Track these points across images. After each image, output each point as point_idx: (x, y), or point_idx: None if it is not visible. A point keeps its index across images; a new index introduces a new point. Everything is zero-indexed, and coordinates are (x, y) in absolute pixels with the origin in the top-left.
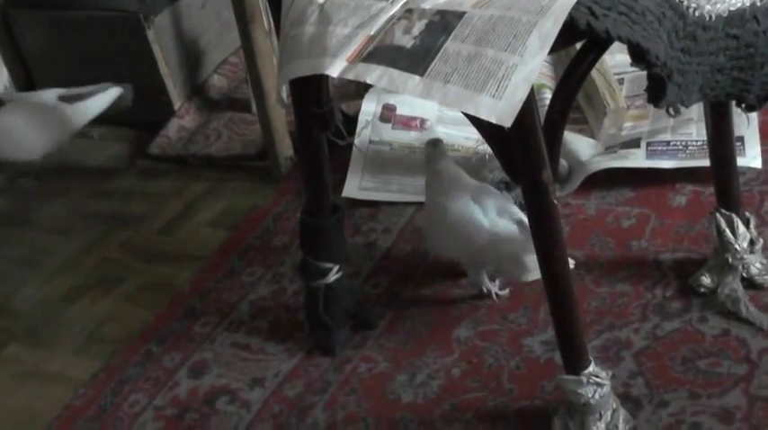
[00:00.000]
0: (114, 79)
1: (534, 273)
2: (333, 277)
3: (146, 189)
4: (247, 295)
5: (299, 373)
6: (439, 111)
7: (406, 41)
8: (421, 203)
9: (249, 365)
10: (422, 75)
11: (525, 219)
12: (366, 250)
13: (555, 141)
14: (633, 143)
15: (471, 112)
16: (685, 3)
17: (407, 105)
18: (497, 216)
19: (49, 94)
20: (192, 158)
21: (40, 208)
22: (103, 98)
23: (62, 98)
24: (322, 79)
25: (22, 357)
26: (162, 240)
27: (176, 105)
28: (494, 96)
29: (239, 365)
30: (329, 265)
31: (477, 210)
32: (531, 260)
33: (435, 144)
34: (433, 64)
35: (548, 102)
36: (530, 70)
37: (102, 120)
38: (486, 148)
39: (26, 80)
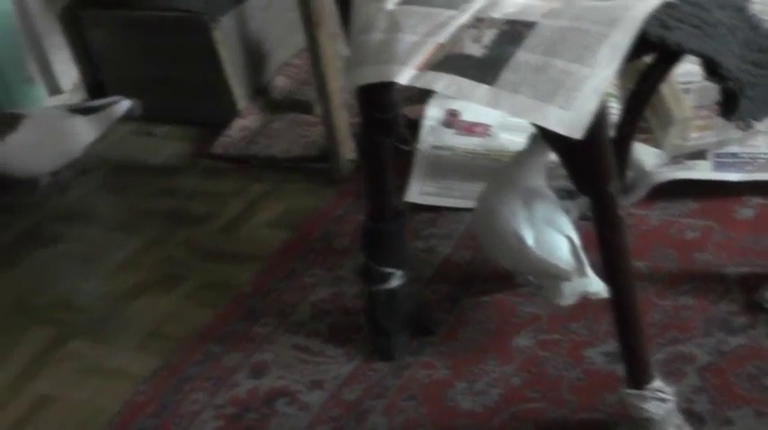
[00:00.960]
0: (180, 79)
1: (569, 299)
2: (394, 282)
3: (207, 188)
4: (308, 297)
5: (358, 377)
6: (502, 118)
7: (476, 50)
8: None
9: (309, 367)
10: (491, 84)
11: (574, 236)
12: (426, 255)
13: (623, 153)
14: (699, 154)
15: (540, 123)
16: (758, 15)
17: (471, 111)
18: (545, 225)
19: (62, 108)
20: (253, 159)
21: (103, 205)
22: (116, 110)
23: (75, 110)
24: (388, 85)
25: (84, 352)
26: (223, 239)
27: (240, 105)
28: (563, 107)
29: (299, 367)
30: (390, 270)
31: (523, 220)
32: (569, 287)
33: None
34: (502, 73)
35: (613, 110)
36: (600, 82)
37: (166, 118)
38: (552, 157)
39: (94, 78)
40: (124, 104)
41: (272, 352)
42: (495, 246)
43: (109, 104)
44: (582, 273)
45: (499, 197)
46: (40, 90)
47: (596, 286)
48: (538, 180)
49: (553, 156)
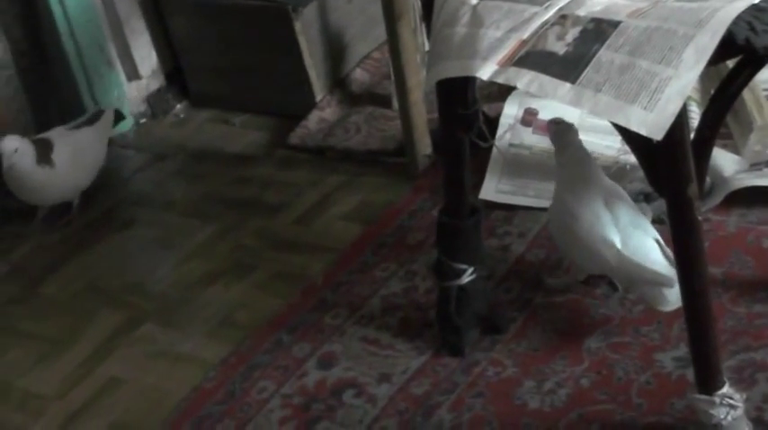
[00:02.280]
0: (259, 68)
1: (675, 304)
2: (467, 278)
3: (283, 178)
4: (379, 290)
5: (426, 372)
6: (580, 119)
7: (559, 48)
8: None
9: (377, 360)
10: (573, 82)
11: (660, 239)
12: (500, 253)
13: (703, 157)
14: None
15: (622, 123)
16: None
17: (549, 110)
18: (632, 228)
19: (59, 129)
20: (330, 151)
21: (179, 191)
22: (108, 118)
23: (75, 126)
24: (469, 81)
25: (155, 336)
26: (296, 230)
27: (318, 97)
28: (645, 108)
29: (368, 360)
30: (464, 267)
31: (608, 222)
32: (672, 292)
33: (561, 123)
34: (585, 72)
35: (693, 115)
36: (684, 84)
37: (244, 107)
38: (627, 159)
39: (173, 64)
40: (109, 112)
41: (342, 343)
42: (577, 251)
43: (97, 115)
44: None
45: (577, 198)
46: (120, 75)
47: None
48: (610, 179)
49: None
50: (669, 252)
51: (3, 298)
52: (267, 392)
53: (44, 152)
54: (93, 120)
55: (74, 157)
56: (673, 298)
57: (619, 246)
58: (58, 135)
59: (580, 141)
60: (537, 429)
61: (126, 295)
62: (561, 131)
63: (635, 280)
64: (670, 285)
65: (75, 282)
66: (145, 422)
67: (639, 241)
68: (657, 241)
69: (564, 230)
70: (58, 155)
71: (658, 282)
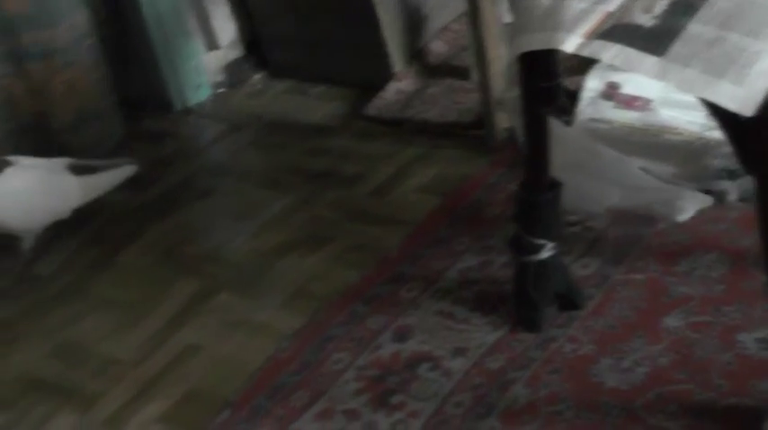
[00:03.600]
0: (337, 39)
1: (690, 211)
2: (545, 254)
3: (359, 150)
4: (455, 264)
5: (502, 347)
6: (663, 93)
7: (646, 21)
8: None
9: (453, 334)
10: (660, 56)
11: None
12: (579, 229)
13: None
14: None
15: (710, 98)
16: None
17: (631, 84)
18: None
19: (58, 163)
20: (407, 122)
21: (256, 161)
22: (116, 175)
23: (71, 168)
24: (552, 53)
25: (231, 306)
26: (372, 202)
27: (395, 68)
28: (734, 83)
29: (443, 333)
30: (542, 242)
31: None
32: (684, 202)
33: None
34: (672, 46)
35: None
36: None
37: (321, 78)
38: (710, 134)
39: (252, 35)
40: (127, 169)
41: (417, 316)
42: (592, 196)
43: (112, 167)
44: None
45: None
46: (198, 45)
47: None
48: (703, 164)
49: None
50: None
51: (82, 264)
52: (342, 364)
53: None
54: (88, 171)
55: (22, 191)
56: (686, 206)
57: (618, 181)
58: (29, 164)
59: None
60: (614, 408)
61: (202, 264)
62: None
63: (657, 206)
64: (684, 197)
65: (153, 249)
66: (219, 390)
67: (634, 172)
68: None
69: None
70: (4, 179)
71: (672, 197)
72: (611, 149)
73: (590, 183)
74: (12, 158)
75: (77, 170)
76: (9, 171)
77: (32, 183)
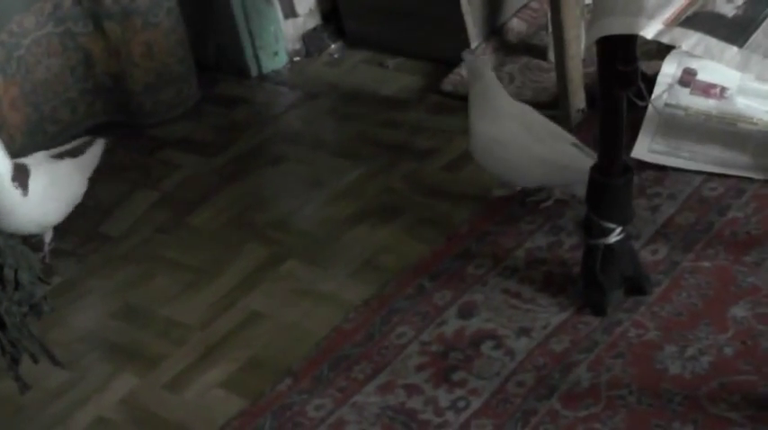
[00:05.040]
0: (415, 12)
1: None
2: (614, 238)
3: (434, 124)
4: (524, 243)
5: (567, 329)
6: (741, 81)
7: (728, 10)
8: (716, 175)
9: (518, 313)
10: (741, 46)
11: (578, 141)
12: (649, 214)
13: None
14: None
15: None
16: None
17: (708, 71)
18: (550, 138)
19: (41, 156)
20: None
21: (329, 130)
22: (95, 152)
23: (55, 157)
24: (632, 38)
25: (299, 274)
26: (444, 177)
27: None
28: None
29: (508, 312)
30: (612, 225)
31: (527, 139)
32: None
33: (475, 55)
34: (754, 36)
35: None
36: None
37: (399, 50)
38: None
39: (330, 4)
40: (99, 143)
41: (483, 294)
42: (506, 170)
43: (85, 145)
44: None
45: (495, 125)
46: (277, 12)
47: None
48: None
49: None
50: (589, 150)
51: (152, 226)
52: (406, 338)
53: (21, 176)
54: (76, 152)
55: (50, 188)
56: None
57: (546, 156)
58: (36, 163)
59: (492, 73)
60: (676, 395)
61: (272, 230)
62: (476, 63)
63: (565, 180)
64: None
65: (223, 214)
66: (283, 358)
67: (560, 147)
68: (575, 144)
69: (489, 155)
70: (36, 182)
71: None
72: (553, 124)
73: (524, 159)
74: (25, 162)
75: (61, 157)
76: (33, 173)
77: (53, 178)
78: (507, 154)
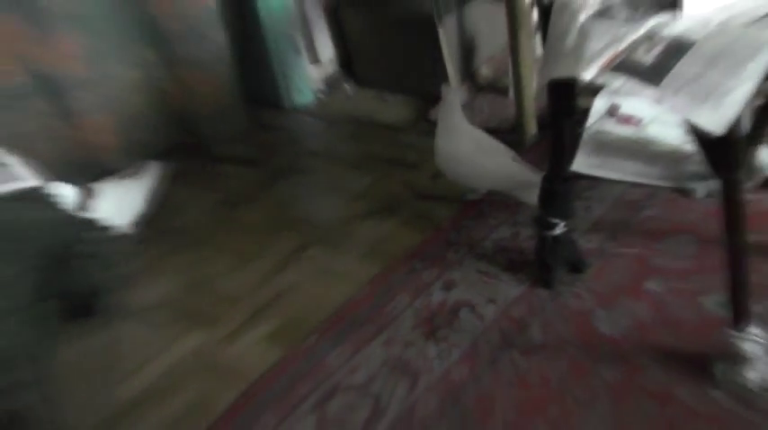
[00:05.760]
0: (409, 61)
1: (534, 197)
2: (559, 230)
3: (422, 144)
4: (491, 234)
5: (523, 299)
6: (652, 114)
7: (647, 59)
8: (634, 183)
9: (487, 287)
10: (657, 85)
11: (517, 156)
12: (584, 213)
13: (750, 149)
14: None
15: (693, 120)
16: None
17: (628, 106)
18: (491, 153)
19: (106, 180)
20: None
21: (344, 148)
22: (154, 172)
23: (120, 179)
24: (573, 80)
25: (320, 257)
26: (430, 184)
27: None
28: (711, 109)
29: (479, 286)
30: (557, 221)
31: (480, 157)
32: (532, 192)
33: (449, 88)
34: (666, 79)
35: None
36: (743, 92)
37: (396, 89)
38: (687, 146)
39: (345, 57)
40: (156, 169)
41: (460, 272)
42: (466, 179)
43: (144, 169)
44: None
45: (454, 143)
46: (304, 59)
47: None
48: (681, 169)
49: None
50: (526, 164)
51: (212, 220)
52: (402, 305)
53: (87, 196)
54: (135, 174)
55: (114, 210)
56: (534, 197)
57: (492, 168)
58: (101, 187)
59: (458, 103)
60: (605, 349)
61: (301, 224)
62: (450, 94)
63: (508, 186)
64: (536, 184)
65: (264, 211)
66: (310, 320)
67: (503, 161)
68: (515, 159)
69: (448, 165)
70: (99, 205)
71: (527, 184)
72: (497, 143)
73: (476, 169)
74: (91, 186)
75: (124, 179)
76: (97, 194)
77: (115, 197)
78: (462, 165)
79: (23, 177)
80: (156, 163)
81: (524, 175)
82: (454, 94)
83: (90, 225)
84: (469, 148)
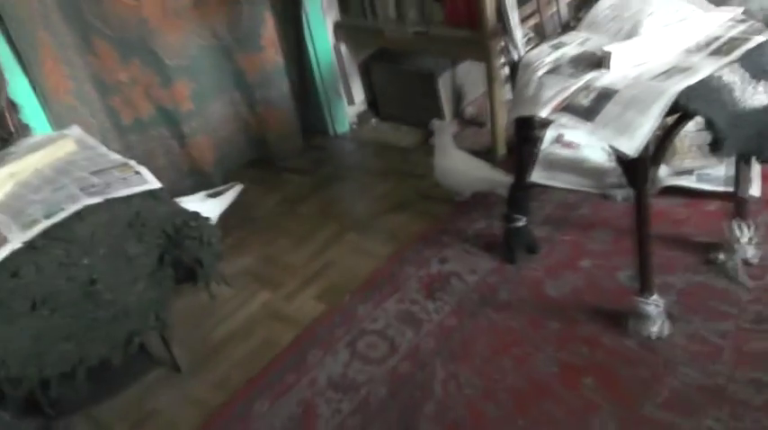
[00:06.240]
0: (416, 102)
1: (503, 191)
2: (520, 223)
3: (426, 161)
4: (473, 225)
5: (496, 271)
6: (585, 141)
7: (585, 102)
8: (572, 190)
9: (470, 261)
10: (591, 122)
11: (493, 167)
12: (538, 210)
13: (655, 167)
14: (688, 172)
15: (615, 146)
16: (738, 97)
17: (570, 135)
18: (479, 168)
19: (196, 196)
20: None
21: (370, 163)
22: (233, 193)
23: (209, 196)
24: (533, 118)
25: (354, 240)
26: (433, 189)
27: (447, 120)
28: (629, 139)
29: (465, 261)
30: (519, 216)
31: (458, 167)
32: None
33: (439, 122)
34: (598, 116)
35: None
36: (650, 126)
37: (407, 122)
38: (610, 164)
39: (372, 99)
40: (237, 188)
41: (452, 251)
42: (458, 185)
43: (228, 189)
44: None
45: (447, 160)
46: (344, 101)
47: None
48: (605, 178)
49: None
50: (500, 171)
51: (277, 212)
52: (409, 274)
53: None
54: (218, 194)
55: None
56: (506, 192)
57: (474, 176)
58: (190, 200)
59: (449, 133)
60: (553, 308)
61: (340, 216)
62: (438, 127)
63: (488, 187)
64: (506, 185)
65: (315, 206)
66: (346, 286)
67: (484, 170)
68: (491, 168)
69: (444, 176)
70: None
71: (501, 183)
72: (477, 160)
73: (462, 178)
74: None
75: (212, 196)
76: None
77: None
78: (454, 176)
79: (151, 181)
80: (238, 185)
81: (499, 178)
82: (446, 126)
83: (194, 216)
84: (457, 164)
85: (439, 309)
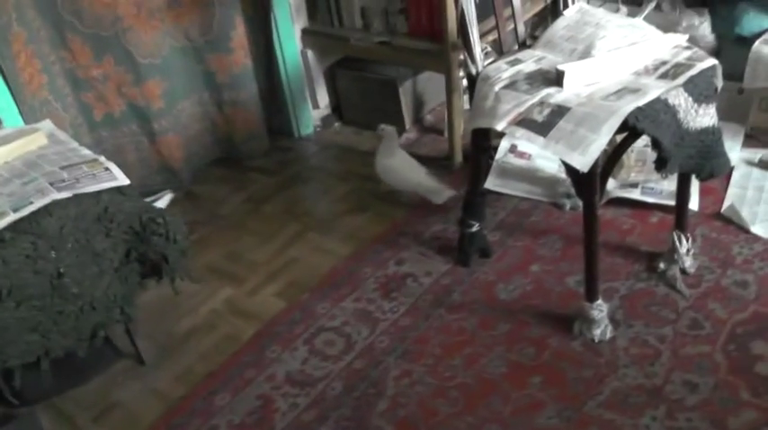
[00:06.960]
0: (379, 110)
1: (443, 199)
2: (474, 229)
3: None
4: (430, 228)
5: (450, 273)
6: (538, 152)
7: (539, 118)
8: (525, 198)
9: (426, 264)
10: (545, 136)
11: (429, 171)
12: (492, 217)
13: (604, 181)
14: (634, 185)
15: (567, 161)
16: (682, 119)
17: (523, 146)
18: (417, 169)
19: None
20: (411, 155)
21: (331, 166)
22: (165, 199)
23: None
24: (489, 129)
25: (314, 239)
26: (390, 193)
27: (407, 127)
28: (581, 154)
29: (421, 263)
30: (473, 222)
31: (407, 169)
32: (441, 195)
33: (385, 128)
34: (552, 131)
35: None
36: (601, 143)
37: (368, 126)
38: (562, 175)
39: (336, 104)
40: (169, 197)
41: (408, 253)
42: (398, 184)
43: (162, 197)
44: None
45: (389, 161)
46: (309, 105)
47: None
48: (556, 190)
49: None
50: (435, 178)
51: (242, 211)
52: (367, 274)
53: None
54: (155, 200)
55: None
56: (441, 197)
57: (410, 177)
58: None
59: (395, 136)
60: (503, 310)
61: (303, 216)
62: (386, 132)
63: (422, 191)
64: (440, 192)
65: (279, 205)
66: (306, 282)
67: (421, 174)
68: (428, 173)
69: (384, 174)
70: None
71: (436, 190)
72: (416, 162)
73: (400, 176)
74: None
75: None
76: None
77: None
78: (392, 174)
79: (119, 178)
80: (168, 192)
81: (431, 184)
82: (390, 131)
83: (161, 212)
84: (396, 164)
85: (394, 308)
